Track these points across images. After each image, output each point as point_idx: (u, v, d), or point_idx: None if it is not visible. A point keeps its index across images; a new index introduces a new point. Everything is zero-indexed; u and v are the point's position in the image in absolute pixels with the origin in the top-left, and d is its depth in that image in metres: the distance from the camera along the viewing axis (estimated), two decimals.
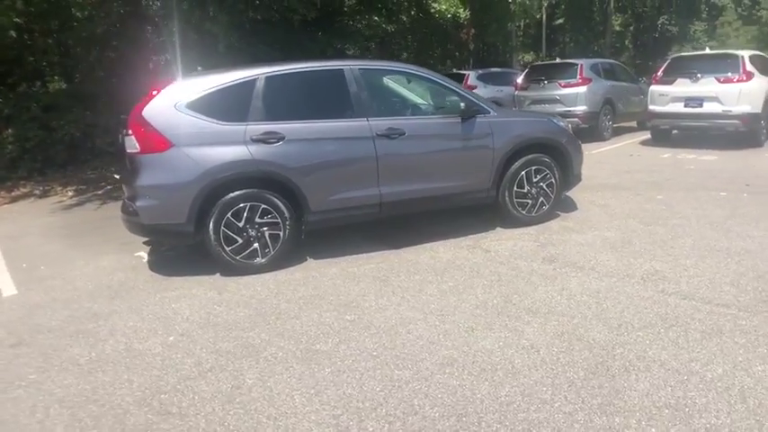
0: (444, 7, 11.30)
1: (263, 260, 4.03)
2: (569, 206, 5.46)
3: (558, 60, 12.05)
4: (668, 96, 8.72)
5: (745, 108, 8.02)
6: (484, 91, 11.45)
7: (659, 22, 34.41)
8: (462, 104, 4.47)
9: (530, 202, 4.87)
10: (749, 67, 8.13)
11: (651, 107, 9.14)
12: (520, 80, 11.54)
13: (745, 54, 8.48)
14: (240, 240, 3.96)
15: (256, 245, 4.01)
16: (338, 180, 4.18)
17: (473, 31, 13.93)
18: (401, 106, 4.83)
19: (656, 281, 3.54)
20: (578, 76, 10.06)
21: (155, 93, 3.95)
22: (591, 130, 10.05)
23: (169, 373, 2.67)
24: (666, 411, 2.19)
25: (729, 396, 2.27)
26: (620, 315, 3.08)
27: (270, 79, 4.07)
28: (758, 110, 8.14)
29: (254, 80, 4.03)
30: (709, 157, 8.04)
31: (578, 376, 2.47)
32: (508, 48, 24.99)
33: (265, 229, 4.01)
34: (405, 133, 4.30)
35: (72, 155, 9.04)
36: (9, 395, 2.57)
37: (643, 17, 35.13)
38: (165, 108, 3.86)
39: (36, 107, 8.92)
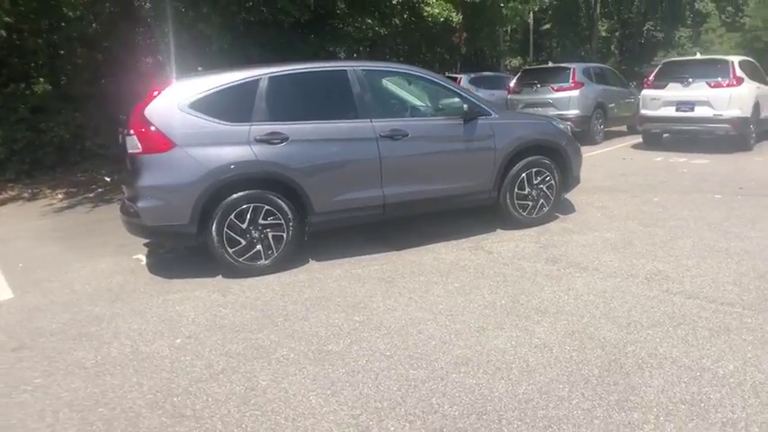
0: (437, 11, 11.36)
1: (267, 262, 4.00)
2: (568, 208, 5.51)
3: (550, 64, 12.16)
4: (660, 100, 8.86)
5: (735, 112, 8.18)
6: None
7: (645, 28, 35.01)
8: (465, 106, 4.49)
9: (530, 203, 4.91)
10: (739, 73, 8.30)
11: (643, 111, 9.28)
12: (512, 84, 11.63)
13: (735, 59, 8.66)
14: (243, 242, 3.92)
15: (259, 246, 3.97)
16: (342, 181, 4.16)
17: (465, 34, 14.05)
18: (404, 108, 4.83)
19: (660, 281, 3.58)
20: (571, 80, 10.19)
21: (155, 93, 3.90)
22: (583, 133, 10.15)
23: (179, 376, 2.63)
24: (683, 407, 2.21)
25: (742, 391, 2.30)
26: (627, 314, 3.10)
27: (273, 79, 4.05)
28: (748, 114, 8.31)
29: (258, 80, 4.01)
30: (700, 160, 8.17)
31: (593, 374, 2.48)
32: (496, 52, 25.20)
33: (268, 230, 3.98)
34: (408, 135, 4.30)
35: (61, 157, 8.88)
36: (15, 399, 2.51)
37: (629, 23, 35.69)
38: (168, 108, 3.81)
39: (24, 108, 8.74)
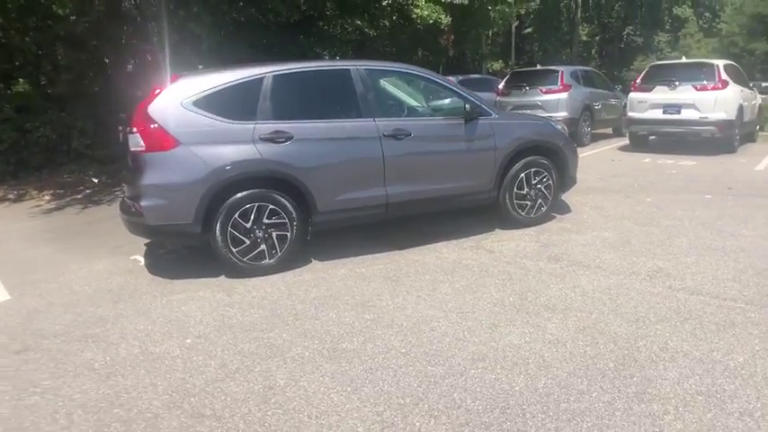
0: (426, 13, 11.43)
1: (272, 261, 3.97)
2: (563, 208, 5.58)
3: (538, 67, 12.31)
4: (647, 103, 9.05)
5: (720, 115, 8.40)
6: None
7: (624, 32, 35.77)
8: (466, 106, 4.53)
9: (529, 203, 4.96)
10: (724, 76, 8.53)
11: (630, 114, 9.46)
12: (501, 86, 11.76)
13: (720, 63, 8.89)
14: (247, 241, 3.88)
15: (263, 246, 3.94)
16: (346, 180, 4.15)
17: (452, 37, 14.15)
18: (407, 107, 4.85)
19: (662, 278, 3.66)
20: (559, 83, 10.34)
21: (158, 91, 3.85)
22: (571, 135, 10.24)
23: (194, 376, 2.59)
24: (699, 398, 2.26)
25: (755, 382, 2.37)
26: (635, 310, 3.16)
27: (277, 78, 4.02)
28: (732, 117, 8.54)
29: (262, 78, 3.98)
30: (688, 162, 8.36)
31: (609, 367, 2.52)
32: (478, 55, 25.45)
33: (273, 229, 3.95)
34: (411, 134, 4.31)
35: (47, 158, 8.68)
36: (25, 402, 2.44)
37: (609, 27, 36.43)
38: (172, 105, 3.76)
39: (9, 108, 8.53)
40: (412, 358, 2.66)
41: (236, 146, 3.80)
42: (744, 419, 2.11)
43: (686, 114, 8.62)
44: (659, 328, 2.91)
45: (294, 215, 3.99)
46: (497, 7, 13.60)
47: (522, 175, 4.85)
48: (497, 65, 32.15)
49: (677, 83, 8.73)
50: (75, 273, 4.25)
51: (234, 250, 3.85)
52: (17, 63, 9.14)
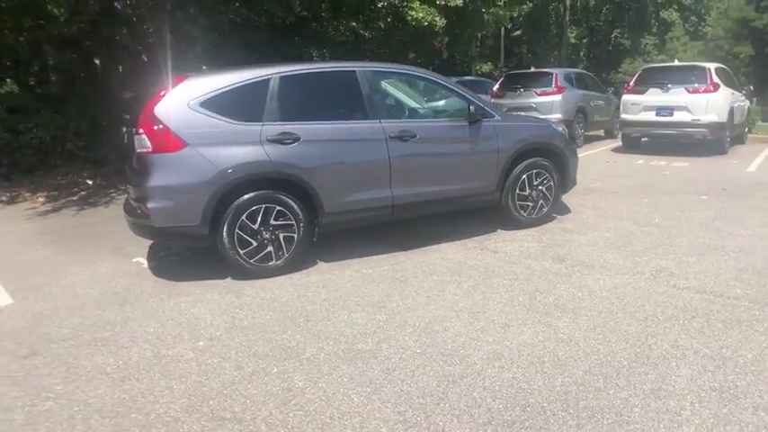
0: (421, 15, 11.47)
1: (279, 263, 3.96)
2: (563, 209, 5.64)
3: (533, 69, 12.42)
4: (640, 105, 9.18)
5: (712, 117, 8.55)
6: None
7: (612, 35, 36.17)
8: (471, 108, 4.56)
9: (530, 204, 5.01)
10: (716, 79, 8.69)
11: (623, 116, 9.59)
12: (496, 88, 11.84)
13: (712, 66, 9.05)
14: (254, 243, 3.87)
15: (270, 248, 3.93)
16: (352, 181, 4.16)
17: (446, 39, 14.22)
18: (411, 109, 4.88)
19: (666, 277, 3.72)
20: (554, 85, 10.44)
21: (163, 93, 3.83)
22: None
23: (210, 379, 2.58)
24: (714, 394, 2.31)
25: (765, 378, 2.42)
26: (642, 308, 3.21)
27: (284, 79, 4.02)
28: (724, 119, 8.70)
29: (268, 80, 3.98)
30: (680, 163, 8.49)
31: (623, 365, 2.56)
32: (467, 58, 25.56)
33: (279, 231, 3.94)
34: (416, 136, 4.33)
35: (40, 159, 8.56)
36: (39, 408, 2.41)
37: (597, 31, 36.81)
38: (178, 106, 3.74)
39: (0, 108, 8.41)
40: (428, 358, 2.68)
41: (243, 147, 3.79)
42: (758, 414, 2.16)
43: (679, 116, 8.76)
44: (668, 326, 2.96)
45: (301, 216, 3.99)
46: (491, 10, 13.71)
47: (524, 176, 4.90)
48: (486, 67, 32.27)
49: (670, 85, 8.87)
50: (77, 276, 4.20)
51: (241, 252, 3.84)
52: (8, 63, 8.99)
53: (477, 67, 29.11)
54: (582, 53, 38.15)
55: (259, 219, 3.86)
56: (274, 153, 3.85)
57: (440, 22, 11.85)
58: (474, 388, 2.39)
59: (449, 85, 4.77)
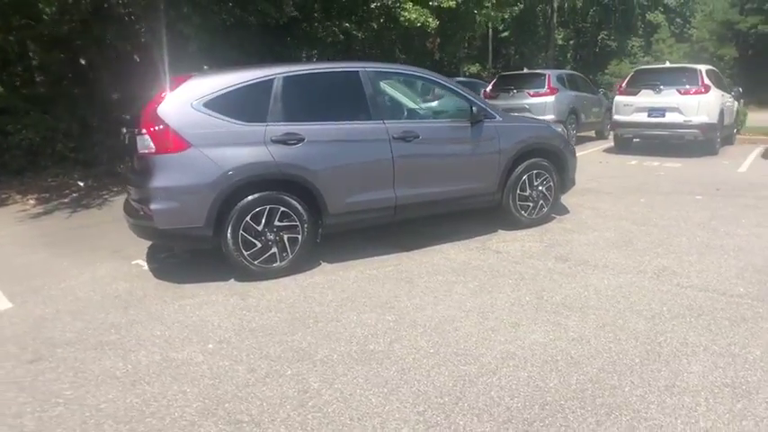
0: (414, 16, 11.49)
1: (283, 264, 3.93)
2: (561, 209, 5.68)
3: (525, 70, 12.51)
4: (632, 107, 9.29)
5: (703, 118, 8.68)
6: None
7: (599, 37, 36.60)
8: (473, 109, 4.58)
9: (530, 204, 5.04)
10: (707, 81, 8.83)
11: (616, 117, 9.70)
12: (489, 89, 11.91)
13: (703, 68, 9.20)
14: (259, 244, 3.85)
15: (275, 249, 3.90)
16: (356, 182, 4.15)
17: (438, 40, 14.26)
18: (414, 109, 4.88)
19: (669, 276, 3.76)
20: (546, 86, 10.52)
21: (164, 93, 3.78)
22: None
23: (224, 382, 2.56)
24: (726, 390, 2.34)
25: None
26: (649, 307, 3.24)
27: (287, 79, 4.00)
28: (714, 120, 8.84)
29: (272, 80, 3.95)
30: (673, 164, 8.61)
31: (635, 362, 2.59)
32: (455, 59, 25.67)
33: (284, 232, 3.92)
34: (419, 136, 4.34)
35: (30, 161, 8.41)
36: (50, 413, 2.36)
37: (584, 32, 37.21)
38: (181, 107, 3.70)
39: None
40: (442, 358, 2.68)
41: (248, 148, 3.76)
42: None
43: (670, 117, 8.88)
44: (675, 324, 2.99)
45: (305, 217, 3.97)
46: (483, 11, 13.79)
47: (525, 176, 4.93)
48: (474, 68, 32.44)
49: (662, 87, 8.99)
50: (77, 278, 4.13)
51: (245, 253, 3.81)
52: None
53: (465, 69, 29.25)
54: (569, 54, 38.54)
55: (263, 220, 3.83)
56: (279, 154, 3.82)
57: (432, 23, 11.88)
58: (491, 387, 2.40)
59: (451, 86, 4.78)
